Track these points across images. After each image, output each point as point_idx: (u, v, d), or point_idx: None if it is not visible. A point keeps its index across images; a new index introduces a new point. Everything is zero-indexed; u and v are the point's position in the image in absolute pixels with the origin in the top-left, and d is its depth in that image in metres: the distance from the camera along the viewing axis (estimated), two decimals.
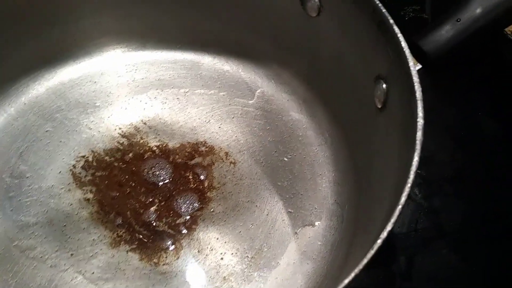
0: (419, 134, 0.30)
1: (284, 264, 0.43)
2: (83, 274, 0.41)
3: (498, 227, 0.48)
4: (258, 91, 0.54)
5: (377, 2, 0.37)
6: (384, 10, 0.36)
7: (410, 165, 0.28)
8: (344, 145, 0.48)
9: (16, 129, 0.49)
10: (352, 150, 0.47)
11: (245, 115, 0.52)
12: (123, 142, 0.50)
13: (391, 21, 0.35)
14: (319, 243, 0.44)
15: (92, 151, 0.49)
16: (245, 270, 0.43)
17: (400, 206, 0.27)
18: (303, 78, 0.52)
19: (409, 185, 0.27)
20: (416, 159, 0.29)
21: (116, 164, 0.48)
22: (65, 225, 0.44)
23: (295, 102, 0.53)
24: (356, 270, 0.25)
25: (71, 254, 0.42)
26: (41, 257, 0.42)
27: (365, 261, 0.25)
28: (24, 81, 0.52)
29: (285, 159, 0.49)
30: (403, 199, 0.27)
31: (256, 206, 0.46)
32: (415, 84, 0.31)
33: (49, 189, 0.46)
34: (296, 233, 0.45)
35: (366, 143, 0.43)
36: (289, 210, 0.46)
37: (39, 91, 0.52)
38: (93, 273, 0.41)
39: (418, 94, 0.31)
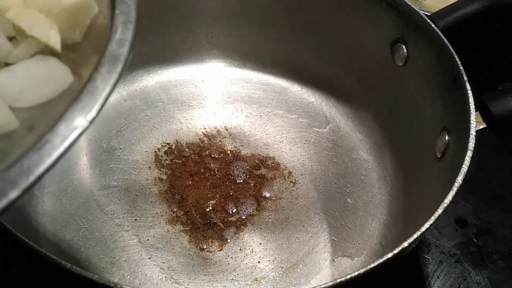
0: (459, 179, 0.31)
1: (314, 284, 0.44)
2: (139, 238, 0.47)
3: None
4: (335, 125, 0.58)
5: (457, 59, 0.39)
6: (461, 67, 0.38)
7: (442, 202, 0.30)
8: (402, 193, 0.49)
9: (123, 108, 0.58)
10: (408, 198, 0.48)
11: (316, 144, 0.56)
12: (204, 140, 0.56)
13: (465, 77, 0.37)
14: None
15: (177, 141, 0.55)
16: (277, 278, 0.45)
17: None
18: (379, 121, 0.54)
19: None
20: (449, 198, 0.30)
21: (192, 156, 0.54)
22: (137, 195, 0.50)
23: (366, 143, 0.56)
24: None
25: (135, 219, 0.48)
26: (111, 214, 0.49)
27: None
28: (140, 72, 0.61)
29: (343, 192, 0.52)
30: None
31: (303, 226, 0.49)
32: (471, 135, 0.33)
33: (133, 162, 0.53)
34: (333, 260, 0.47)
35: (421, 192, 0.44)
36: (333, 238, 0.48)
37: (149, 83, 0.61)
38: (147, 239, 0.47)
39: (471, 144, 0.33)
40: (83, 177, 0.51)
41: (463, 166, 0.32)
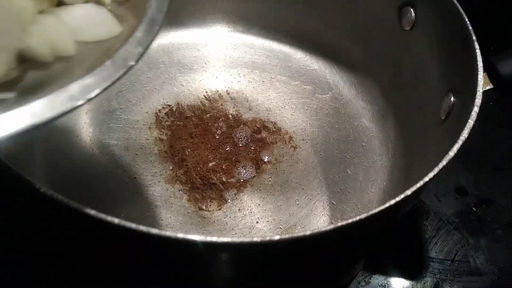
0: (465, 132, 0.31)
1: None
2: (138, 196, 0.47)
3: None
4: (338, 93, 0.57)
5: (467, 20, 0.38)
6: (470, 28, 0.37)
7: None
8: (403, 159, 0.49)
9: None
10: (409, 164, 0.48)
11: (319, 110, 0.56)
12: (205, 104, 0.55)
13: (474, 37, 0.36)
14: None
15: (178, 103, 0.55)
16: None
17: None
18: (383, 88, 0.54)
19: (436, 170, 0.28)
20: (454, 150, 0.30)
21: (194, 119, 0.54)
22: (137, 154, 0.50)
23: (369, 110, 0.55)
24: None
25: (134, 178, 0.48)
26: (111, 171, 0.48)
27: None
28: None
29: (344, 158, 0.51)
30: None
31: (303, 189, 0.49)
32: (478, 92, 0.33)
33: (134, 122, 0.53)
34: (332, 223, 0.46)
35: (423, 157, 0.43)
36: (333, 201, 0.48)
37: (152, 45, 0.60)
38: (146, 197, 0.47)
39: (478, 100, 0.32)
40: (83, 135, 0.51)
41: (469, 121, 0.32)
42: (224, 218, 0.46)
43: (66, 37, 0.27)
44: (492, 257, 0.47)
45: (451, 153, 0.29)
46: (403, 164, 0.48)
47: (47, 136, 0.49)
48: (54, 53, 0.27)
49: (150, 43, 0.27)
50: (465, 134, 0.31)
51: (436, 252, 0.47)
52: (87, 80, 0.23)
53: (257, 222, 0.46)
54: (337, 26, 0.57)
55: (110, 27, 0.28)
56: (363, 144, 0.53)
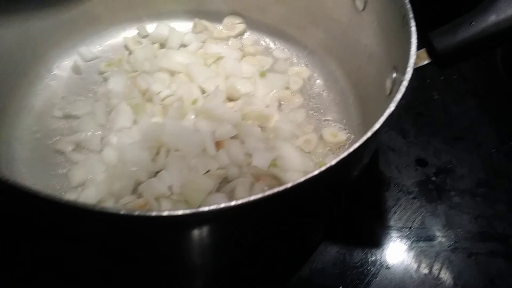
0: (392, 105, 0.33)
1: None
2: None
3: (497, 247, 0.48)
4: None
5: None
6: (408, 6, 0.39)
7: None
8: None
9: None
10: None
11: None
12: None
13: (411, 15, 0.38)
14: None
15: None
16: None
17: None
18: (344, 68, 0.56)
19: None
20: (376, 126, 0.32)
21: None
22: None
23: (331, 91, 0.57)
24: None
25: None
26: None
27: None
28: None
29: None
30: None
31: None
32: (408, 70, 0.35)
33: None
34: None
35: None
36: None
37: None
38: None
39: (408, 75, 0.35)
40: None
41: (397, 94, 0.34)
42: None
43: None
44: (449, 222, 0.50)
45: (374, 129, 0.32)
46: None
47: None
48: None
49: None
50: (392, 107, 0.34)
51: (395, 221, 0.50)
52: None
53: None
54: (299, 11, 0.59)
55: None
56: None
